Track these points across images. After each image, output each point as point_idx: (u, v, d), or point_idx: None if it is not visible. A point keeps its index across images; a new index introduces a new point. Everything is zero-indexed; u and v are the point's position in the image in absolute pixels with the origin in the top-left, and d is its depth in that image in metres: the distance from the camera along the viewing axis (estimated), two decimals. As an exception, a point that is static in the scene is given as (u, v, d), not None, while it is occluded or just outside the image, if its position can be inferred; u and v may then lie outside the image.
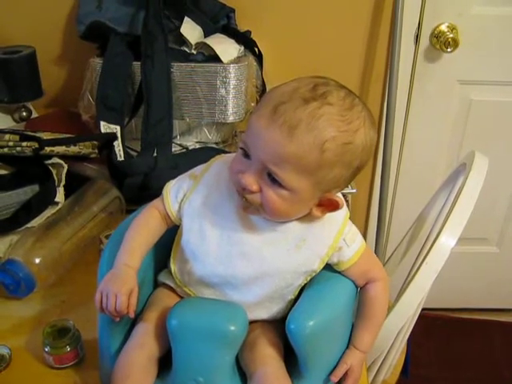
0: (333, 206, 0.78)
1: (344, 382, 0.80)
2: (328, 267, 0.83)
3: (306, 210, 0.78)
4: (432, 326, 2.14)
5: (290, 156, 0.71)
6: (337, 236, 0.81)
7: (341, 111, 0.72)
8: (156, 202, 0.87)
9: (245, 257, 0.80)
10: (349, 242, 0.81)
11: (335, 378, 0.80)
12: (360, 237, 0.83)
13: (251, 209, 0.77)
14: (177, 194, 0.85)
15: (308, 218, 0.79)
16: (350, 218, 1.08)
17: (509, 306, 2.30)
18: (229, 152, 1.42)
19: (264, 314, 0.84)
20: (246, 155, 0.75)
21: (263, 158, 0.72)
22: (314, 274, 0.82)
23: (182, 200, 0.84)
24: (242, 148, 0.76)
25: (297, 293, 0.83)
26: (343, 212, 0.82)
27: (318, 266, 0.81)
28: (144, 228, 0.85)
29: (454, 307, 2.27)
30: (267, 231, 0.80)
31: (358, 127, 0.73)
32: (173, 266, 0.85)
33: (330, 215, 0.80)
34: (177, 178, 0.87)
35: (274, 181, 0.73)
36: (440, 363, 2.05)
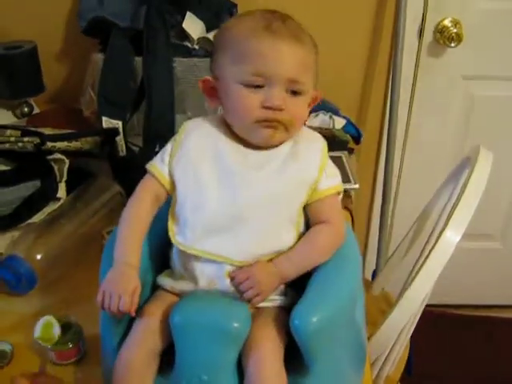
0: (315, 101, 0.88)
1: (245, 294, 0.79)
2: (331, 261, 0.83)
3: None
4: (435, 323, 2.13)
5: (306, 60, 0.82)
6: (323, 150, 0.86)
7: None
8: (142, 182, 0.87)
9: (248, 184, 0.82)
10: (328, 173, 0.85)
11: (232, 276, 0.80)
12: (339, 181, 0.87)
13: (277, 135, 0.82)
14: (162, 158, 0.86)
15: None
16: (352, 214, 1.10)
17: (512, 303, 2.29)
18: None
19: (277, 244, 0.83)
20: (257, 87, 0.80)
21: (290, 71, 0.80)
22: (314, 187, 0.83)
23: (169, 161, 0.85)
24: (246, 84, 0.80)
25: (301, 212, 0.84)
26: (321, 139, 0.88)
27: (317, 173, 0.83)
28: (137, 217, 0.85)
29: (457, 303, 2.26)
30: (260, 156, 0.84)
31: None
32: (171, 233, 0.84)
33: (308, 138, 0.87)
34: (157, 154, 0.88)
35: (294, 93, 0.81)
36: (443, 360, 2.05)
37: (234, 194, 0.81)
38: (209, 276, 0.82)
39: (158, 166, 0.86)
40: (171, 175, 0.85)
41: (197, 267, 0.82)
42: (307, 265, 0.83)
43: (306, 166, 0.83)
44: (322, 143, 0.87)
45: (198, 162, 0.84)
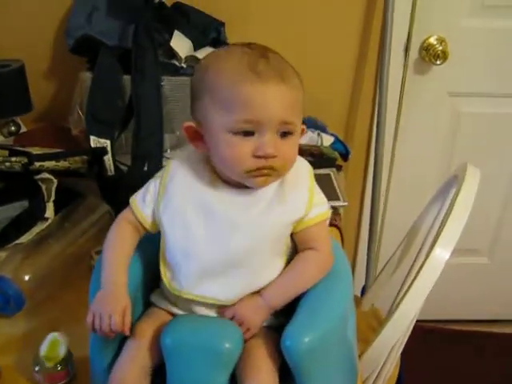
0: (301, 134, 0.84)
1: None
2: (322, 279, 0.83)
3: None
4: (425, 338, 2.13)
5: (294, 99, 0.78)
6: (310, 180, 0.84)
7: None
8: (124, 213, 0.87)
9: (238, 229, 0.80)
10: (315, 203, 0.83)
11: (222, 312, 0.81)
12: (326, 207, 0.85)
13: (269, 180, 0.80)
14: (144, 198, 0.85)
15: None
16: (341, 231, 1.08)
17: (500, 317, 2.30)
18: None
19: (267, 279, 0.82)
20: (246, 134, 0.77)
21: (280, 115, 0.76)
22: (301, 220, 0.82)
23: (154, 204, 0.84)
24: (236, 132, 0.76)
25: (289, 240, 0.84)
26: (306, 166, 0.87)
27: (305, 209, 0.82)
28: (120, 242, 0.85)
29: (446, 318, 2.27)
30: (246, 197, 0.82)
31: None
32: (165, 279, 0.83)
33: (294, 170, 0.83)
34: (140, 189, 0.87)
35: (284, 135, 0.78)
36: (434, 375, 2.04)
37: (223, 240, 0.80)
38: (203, 312, 0.83)
39: (139, 206, 0.85)
40: (157, 218, 0.84)
41: (191, 305, 0.83)
42: (295, 293, 0.83)
43: (292, 207, 0.82)
44: (307, 171, 0.86)
45: (183, 208, 0.82)
